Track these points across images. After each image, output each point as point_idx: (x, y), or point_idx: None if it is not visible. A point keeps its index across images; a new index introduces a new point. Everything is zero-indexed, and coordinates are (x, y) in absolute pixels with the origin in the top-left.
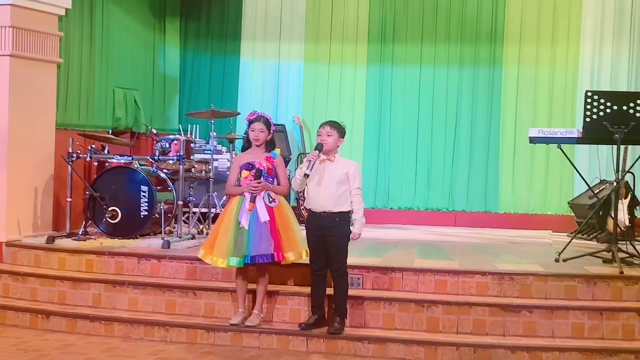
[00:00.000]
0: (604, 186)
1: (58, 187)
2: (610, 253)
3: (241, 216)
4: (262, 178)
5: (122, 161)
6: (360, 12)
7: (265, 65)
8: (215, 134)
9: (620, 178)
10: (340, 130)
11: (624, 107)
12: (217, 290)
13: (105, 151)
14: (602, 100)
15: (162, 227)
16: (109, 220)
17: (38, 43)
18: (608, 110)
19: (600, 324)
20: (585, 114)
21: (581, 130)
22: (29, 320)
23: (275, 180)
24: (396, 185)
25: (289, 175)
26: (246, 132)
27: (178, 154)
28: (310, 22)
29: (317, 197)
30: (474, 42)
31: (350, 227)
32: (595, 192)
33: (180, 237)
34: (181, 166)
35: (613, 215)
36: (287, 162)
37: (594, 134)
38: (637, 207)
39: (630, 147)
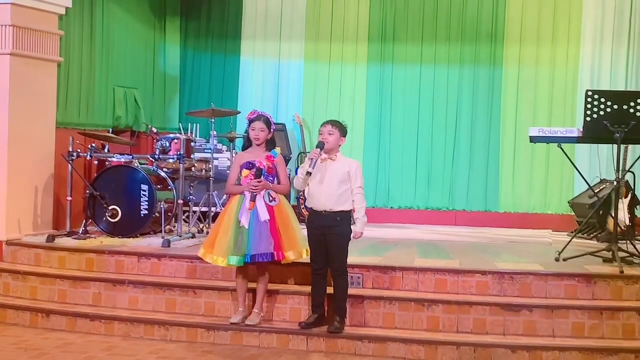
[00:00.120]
0: (604, 185)
1: (58, 186)
2: (611, 252)
3: (241, 215)
4: (262, 177)
5: (122, 160)
6: (360, 11)
7: (266, 64)
8: (215, 132)
9: (620, 177)
10: (342, 129)
11: (624, 107)
12: (217, 289)
13: (106, 150)
14: (602, 100)
15: (162, 226)
16: (109, 219)
17: (38, 42)
18: (608, 110)
19: (600, 323)
20: (585, 113)
21: (581, 130)
22: (29, 319)
23: (275, 179)
24: (396, 185)
25: (289, 174)
26: (246, 131)
27: (178, 152)
28: (311, 21)
29: (319, 196)
30: (474, 42)
31: (352, 226)
32: (596, 191)
33: (181, 236)
34: (181, 165)
35: (613, 215)
36: (287, 161)
37: (594, 133)
38: (637, 207)
39: (630, 146)
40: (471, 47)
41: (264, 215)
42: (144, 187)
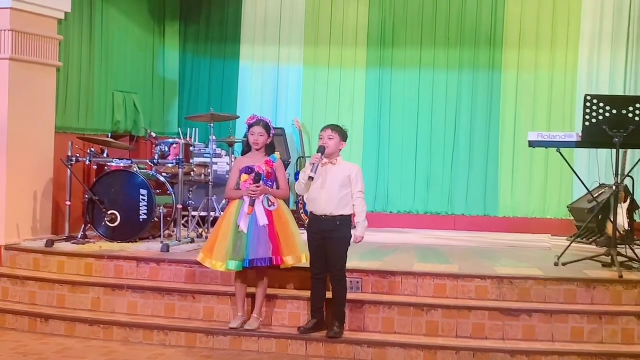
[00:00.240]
0: (603, 190)
1: (57, 191)
2: (610, 257)
3: (240, 220)
4: (261, 181)
5: (121, 164)
6: (359, 15)
7: (265, 68)
8: (214, 137)
9: (619, 182)
10: (342, 134)
11: (623, 111)
12: (216, 294)
13: (105, 154)
14: (601, 104)
15: (161, 230)
16: (108, 223)
17: (37, 46)
18: (607, 114)
19: (599, 327)
20: (584, 117)
21: (580, 134)
22: (27, 323)
23: (274, 184)
24: (395, 189)
25: (289, 179)
26: (246, 136)
27: (177, 157)
28: (310, 25)
29: (319, 200)
30: (473, 46)
31: (352, 231)
32: (595, 195)
33: (179, 241)
34: (180, 169)
35: (612, 219)
36: (286, 165)
37: (593, 137)
38: (636, 211)
39: (629, 150)
40: (470, 52)
41: (263, 219)
42: (143, 191)
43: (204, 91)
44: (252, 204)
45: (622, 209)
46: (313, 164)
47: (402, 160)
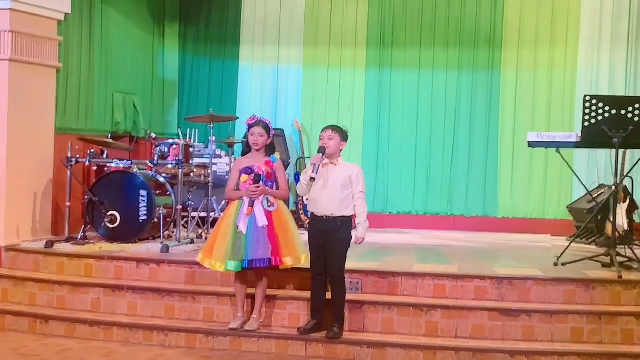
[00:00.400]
0: (602, 190)
1: (57, 192)
2: (609, 257)
3: (239, 220)
4: (261, 182)
5: (121, 165)
6: (359, 16)
7: (264, 69)
8: (214, 138)
9: (618, 182)
10: (342, 134)
11: (623, 112)
12: (216, 295)
13: (104, 155)
14: (600, 105)
15: (161, 231)
16: (108, 224)
17: (37, 48)
18: (607, 115)
19: (599, 328)
20: (584, 118)
21: (580, 135)
22: (27, 325)
23: (274, 184)
24: (395, 190)
25: (288, 180)
26: (245, 137)
27: (177, 158)
28: (309, 26)
29: (321, 201)
30: (472, 47)
31: (354, 232)
32: (594, 196)
33: (179, 242)
34: (180, 170)
35: (612, 220)
36: (286, 166)
37: (592, 138)
38: (636, 211)
39: (628, 151)
40: (469, 52)
41: (262, 220)
42: (143, 192)
43: (203, 92)
44: (251, 204)
45: (622, 209)
46: (314, 164)
47: (402, 161)
